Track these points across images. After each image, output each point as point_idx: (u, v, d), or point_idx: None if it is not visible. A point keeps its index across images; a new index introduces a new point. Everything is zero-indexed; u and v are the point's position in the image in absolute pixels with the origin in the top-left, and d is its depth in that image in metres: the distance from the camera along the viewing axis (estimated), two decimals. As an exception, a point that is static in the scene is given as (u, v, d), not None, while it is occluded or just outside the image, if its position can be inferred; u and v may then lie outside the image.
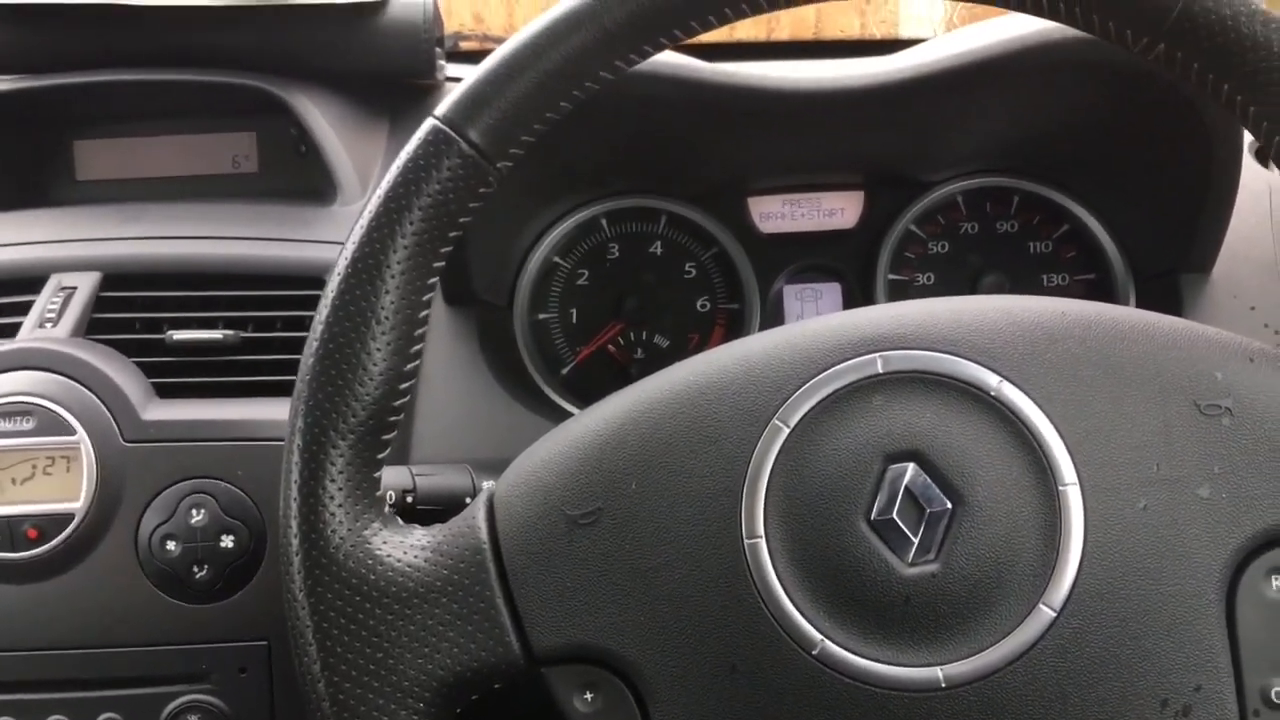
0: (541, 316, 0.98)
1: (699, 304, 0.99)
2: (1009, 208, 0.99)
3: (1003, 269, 0.98)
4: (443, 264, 0.58)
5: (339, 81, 0.99)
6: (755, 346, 0.58)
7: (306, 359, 0.57)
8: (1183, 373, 0.55)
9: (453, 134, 0.57)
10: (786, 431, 0.55)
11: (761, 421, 0.55)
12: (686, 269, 0.99)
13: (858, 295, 0.99)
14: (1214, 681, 0.52)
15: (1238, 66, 0.54)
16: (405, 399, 0.58)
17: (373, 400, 0.57)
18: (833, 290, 0.99)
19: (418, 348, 0.58)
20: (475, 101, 0.57)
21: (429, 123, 0.57)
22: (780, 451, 0.55)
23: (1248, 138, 0.89)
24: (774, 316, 0.98)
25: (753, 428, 0.55)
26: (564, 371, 0.98)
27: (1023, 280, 0.98)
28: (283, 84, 0.96)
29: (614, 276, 0.99)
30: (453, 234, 0.58)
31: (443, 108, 0.57)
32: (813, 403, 0.55)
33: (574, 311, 0.99)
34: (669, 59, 0.86)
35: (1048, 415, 0.54)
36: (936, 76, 0.85)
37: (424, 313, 0.58)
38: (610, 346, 0.98)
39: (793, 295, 0.99)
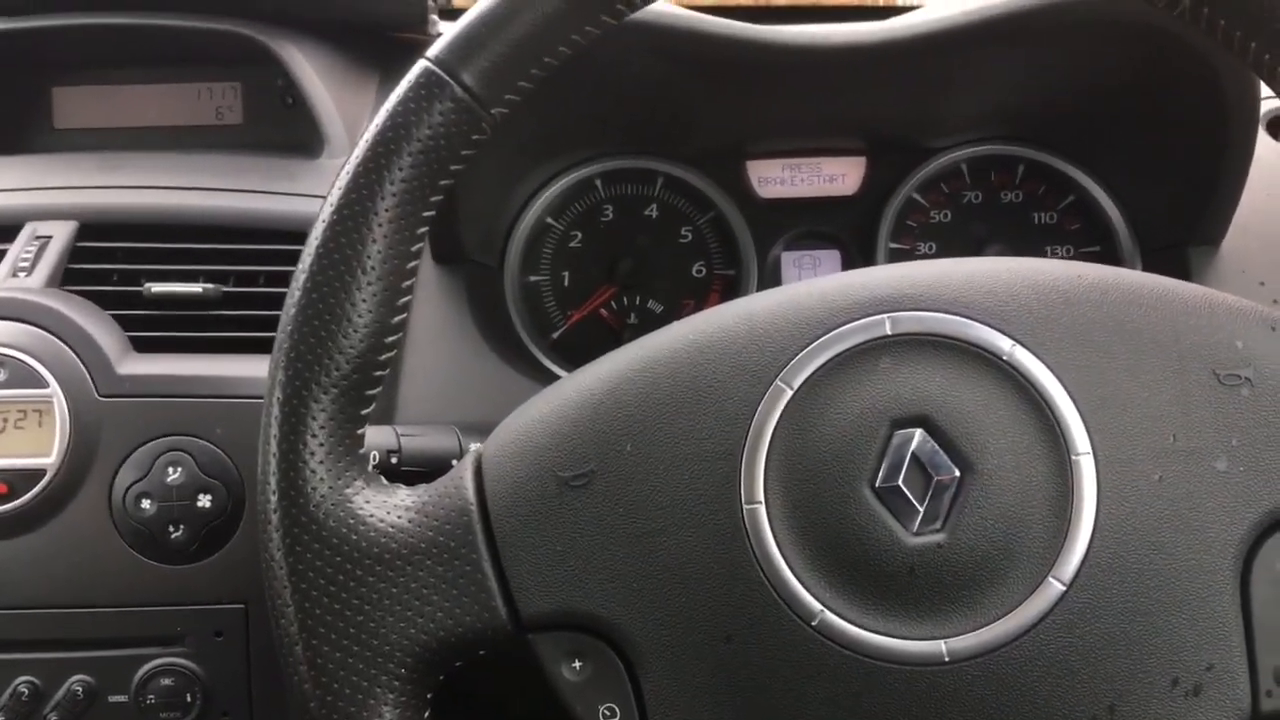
0: (533, 278, 0.96)
1: (695, 269, 0.97)
2: (1014, 177, 0.97)
3: (1006, 239, 0.95)
4: (433, 214, 0.56)
5: (328, 32, 0.97)
6: (759, 305, 0.56)
7: (288, 309, 0.54)
8: (1202, 341, 0.53)
9: (445, 76, 0.54)
10: (790, 393, 0.53)
11: (764, 382, 0.53)
12: (682, 233, 0.97)
13: (858, 263, 0.96)
14: (1226, 660, 0.51)
15: (1267, 23, 0.52)
16: (391, 354, 0.56)
17: (357, 354, 0.54)
18: (832, 258, 0.97)
19: (405, 300, 0.56)
20: (470, 43, 0.54)
21: (420, 64, 0.55)
22: (783, 414, 0.52)
23: (1263, 107, 0.87)
24: (771, 283, 0.96)
25: (755, 389, 0.53)
26: (555, 335, 0.96)
27: (1026, 251, 0.96)
28: (270, 32, 0.93)
29: (608, 239, 0.96)
30: (444, 183, 0.55)
31: (435, 49, 0.55)
32: (818, 364, 0.53)
33: (566, 274, 0.96)
34: (670, 9, 0.83)
35: (1062, 381, 0.52)
36: (945, 34, 0.83)
37: (412, 264, 0.56)
38: (603, 311, 0.96)
39: (791, 262, 0.97)
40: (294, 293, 0.54)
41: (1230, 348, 0.53)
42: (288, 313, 0.54)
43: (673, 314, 0.96)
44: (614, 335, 0.95)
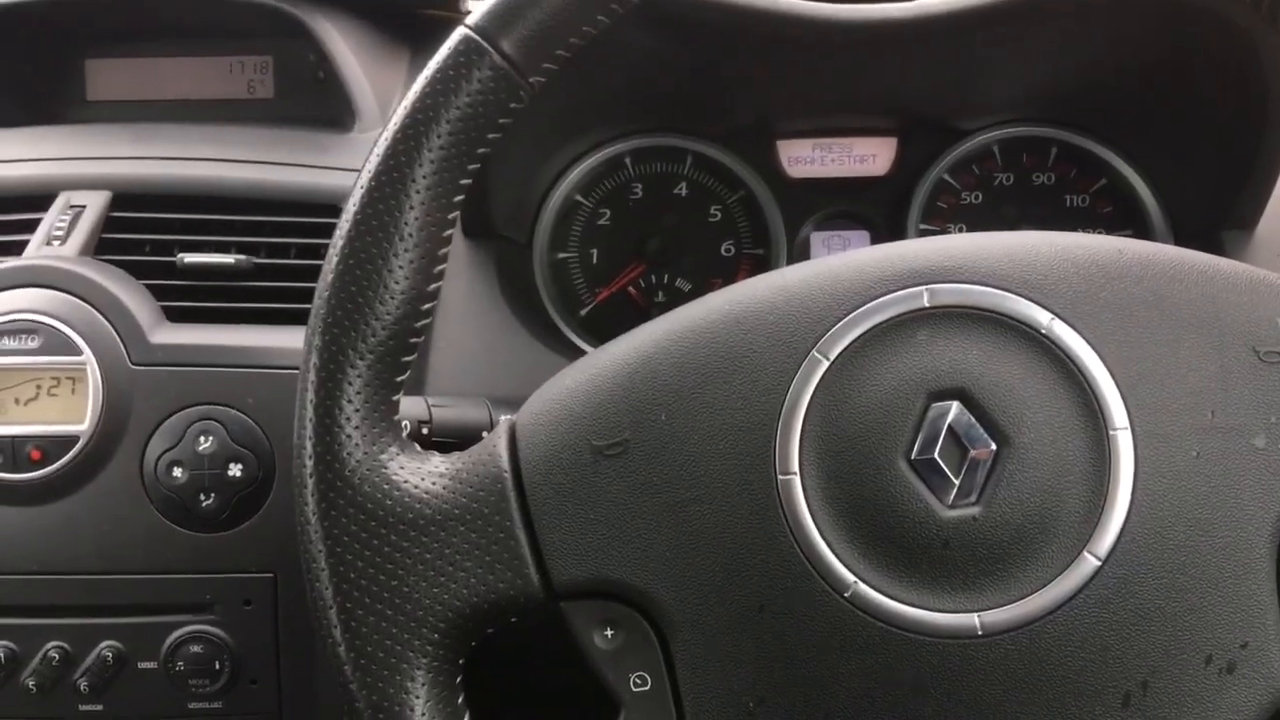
0: (561, 255, 0.96)
1: (723, 248, 0.97)
2: (1046, 159, 0.96)
3: (1037, 222, 0.95)
4: (469, 182, 0.56)
5: (360, 7, 0.97)
6: (795, 276, 0.55)
7: (325, 275, 0.55)
8: (1243, 317, 0.53)
9: (484, 44, 0.54)
10: (826, 364, 0.53)
11: (800, 353, 0.53)
12: (711, 212, 0.97)
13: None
14: (1261, 639, 0.50)
15: None
16: (427, 321, 0.56)
17: (393, 320, 0.54)
18: (861, 238, 0.97)
19: (440, 268, 0.56)
20: (510, 11, 0.54)
21: (460, 31, 0.55)
22: (818, 385, 0.52)
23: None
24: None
25: (790, 359, 0.53)
26: (582, 312, 0.96)
27: (1057, 234, 0.95)
28: (302, 6, 0.94)
29: (636, 217, 0.96)
30: (481, 151, 0.55)
31: (475, 16, 0.55)
32: (854, 335, 0.53)
33: (594, 251, 0.96)
34: None
35: (1100, 356, 0.52)
36: (978, 11, 0.82)
37: (448, 232, 0.56)
38: (630, 288, 0.96)
39: (820, 242, 0.97)
40: (332, 258, 0.54)
41: (1271, 325, 0.53)
42: (325, 278, 0.54)
43: (700, 293, 0.94)
44: (641, 313, 0.95)
